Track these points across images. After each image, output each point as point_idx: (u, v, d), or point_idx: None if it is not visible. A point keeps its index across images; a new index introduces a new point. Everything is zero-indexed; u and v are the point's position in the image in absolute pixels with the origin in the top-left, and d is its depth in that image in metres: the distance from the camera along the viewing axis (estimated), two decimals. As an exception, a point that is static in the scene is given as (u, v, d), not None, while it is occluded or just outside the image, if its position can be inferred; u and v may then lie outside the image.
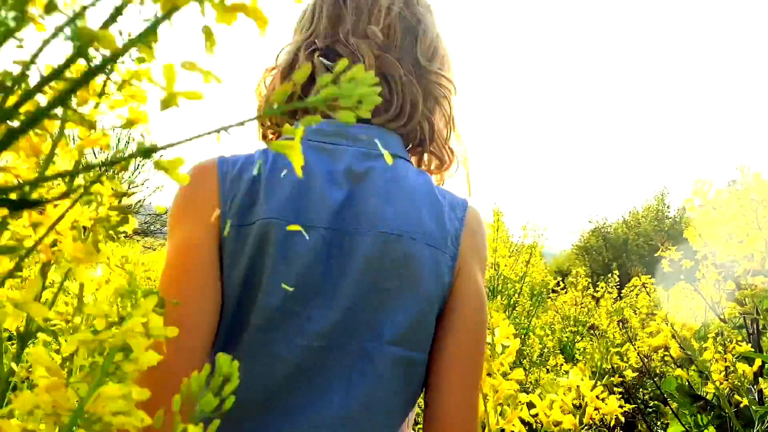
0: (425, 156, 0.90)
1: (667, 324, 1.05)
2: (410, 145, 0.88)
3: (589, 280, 5.33)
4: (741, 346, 1.22)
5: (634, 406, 2.89)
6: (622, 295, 5.40)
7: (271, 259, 0.70)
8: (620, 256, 21.02)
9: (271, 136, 0.89)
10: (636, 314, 4.01)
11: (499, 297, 3.39)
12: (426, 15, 0.87)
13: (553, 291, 5.32)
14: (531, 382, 2.99)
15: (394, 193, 0.76)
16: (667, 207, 23.82)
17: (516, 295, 3.45)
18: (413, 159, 0.90)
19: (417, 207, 0.76)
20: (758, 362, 1.23)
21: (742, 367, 1.19)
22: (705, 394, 1.56)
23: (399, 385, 0.73)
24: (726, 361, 1.17)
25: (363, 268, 0.72)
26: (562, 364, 2.98)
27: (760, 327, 1.60)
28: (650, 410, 2.83)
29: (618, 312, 3.50)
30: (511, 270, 3.45)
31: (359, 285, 0.72)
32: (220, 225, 0.72)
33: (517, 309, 3.59)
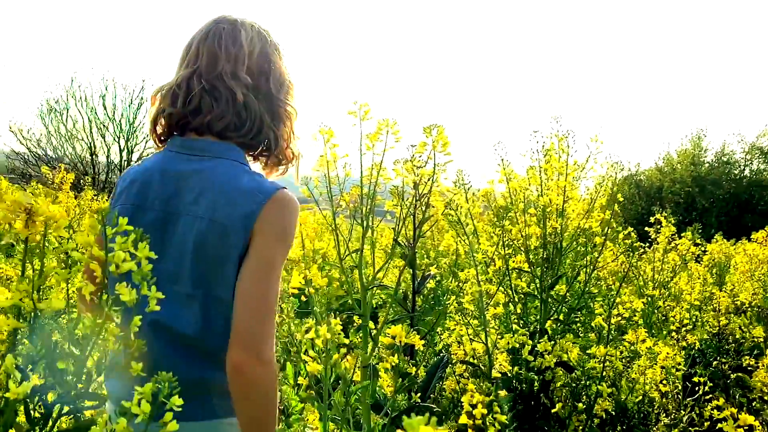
0: (271, 158, 1.40)
1: None
2: (260, 150, 1.38)
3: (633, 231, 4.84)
4: None
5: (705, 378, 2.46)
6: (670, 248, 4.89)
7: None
8: (654, 204, 20.26)
9: (159, 144, 1.40)
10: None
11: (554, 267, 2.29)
12: (274, 55, 1.37)
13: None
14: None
15: (206, 188, 1.26)
16: (704, 151, 22.66)
17: (595, 252, 2.38)
18: (262, 160, 1.41)
19: (221, 198, 1.24)
20: None
21: None
22: None
23: (216, 312, 1.25)
24: None
25: (181, 238, 1.26)
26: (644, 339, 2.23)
27: None
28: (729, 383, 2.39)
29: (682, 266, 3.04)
30: (577, 218, 2.41)
31: (179, 248, 1.26)
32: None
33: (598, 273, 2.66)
